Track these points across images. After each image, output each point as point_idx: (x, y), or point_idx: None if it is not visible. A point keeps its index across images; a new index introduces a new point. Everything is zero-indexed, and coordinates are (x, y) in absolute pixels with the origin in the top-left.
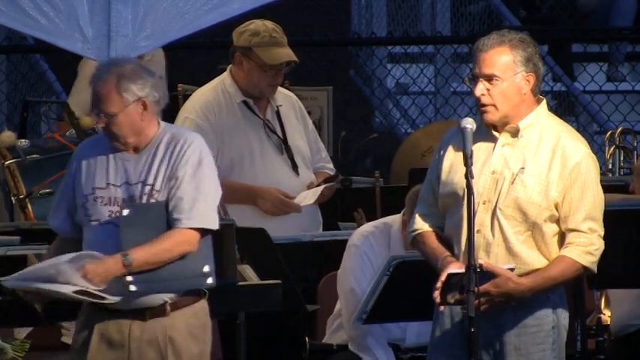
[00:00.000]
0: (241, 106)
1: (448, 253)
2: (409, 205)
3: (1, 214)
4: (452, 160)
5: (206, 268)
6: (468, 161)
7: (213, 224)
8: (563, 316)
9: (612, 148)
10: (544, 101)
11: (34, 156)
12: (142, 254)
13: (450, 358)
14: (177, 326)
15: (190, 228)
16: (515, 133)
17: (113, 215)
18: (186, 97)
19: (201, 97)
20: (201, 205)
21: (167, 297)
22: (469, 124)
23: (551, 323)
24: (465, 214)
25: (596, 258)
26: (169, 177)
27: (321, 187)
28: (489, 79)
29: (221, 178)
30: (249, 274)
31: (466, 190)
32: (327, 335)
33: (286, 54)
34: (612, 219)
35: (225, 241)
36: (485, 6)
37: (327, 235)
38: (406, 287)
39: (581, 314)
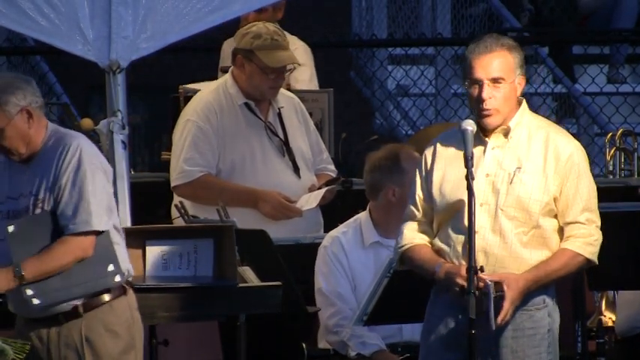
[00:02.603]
0: (243, 108)
1: (444, 260)
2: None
3: None
4: (443, 169)
5: (110, 267)
6: (468, 163)
7: (100, 225)
8: (556, 319)
9: (613, 150)
10: (524, 101)
11: None
12: (33, 265)
13: None
14: (93, 325)
15: (79, 233)
16: (505, 134)
17: None
18: (187, 99)
19: (203, 99)
20: (84, 210)
21: (77, 301)
22: (470, 125)
23: (547, 326)
24: (465, 218)
25: (596, 249)
26: (52, 185)
27: (323, 191)
28: (496, 81)
29: (222, 181)
30: (250, 276)
31: (467, 192)
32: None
33: (288, 57)
34: (612, 220)
35: (225, 242)
36: (486, 8)
37: None
38: (407, 289)
39: (582, 316)
